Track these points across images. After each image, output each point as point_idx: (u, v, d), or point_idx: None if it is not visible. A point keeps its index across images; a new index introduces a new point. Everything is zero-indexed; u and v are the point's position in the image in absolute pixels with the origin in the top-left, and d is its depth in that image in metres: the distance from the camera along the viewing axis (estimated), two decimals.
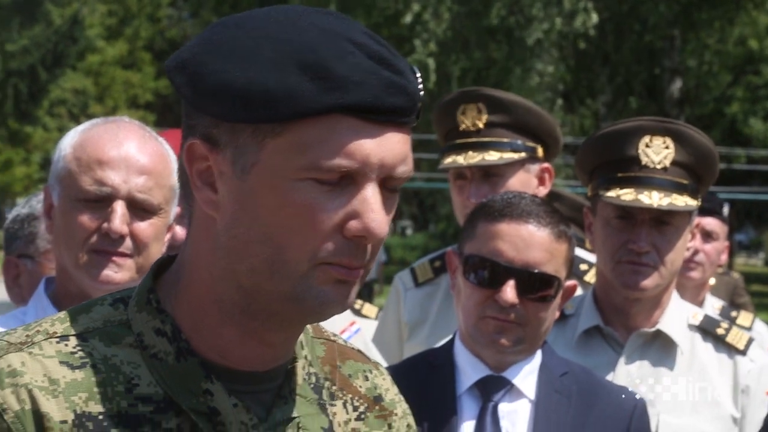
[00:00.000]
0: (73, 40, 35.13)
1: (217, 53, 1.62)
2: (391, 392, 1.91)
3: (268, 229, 1.60)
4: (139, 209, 2.69)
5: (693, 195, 3.34)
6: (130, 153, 2.69)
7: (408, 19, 22.80)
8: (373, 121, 1.60)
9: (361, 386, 1.86)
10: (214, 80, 1.60)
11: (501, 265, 2.84)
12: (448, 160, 3.90)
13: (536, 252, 2.84)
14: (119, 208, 2.66)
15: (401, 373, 2.94)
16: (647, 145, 3.33)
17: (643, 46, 26.77)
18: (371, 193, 1.61)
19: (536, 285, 2.84)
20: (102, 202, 2.67)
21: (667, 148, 3.33)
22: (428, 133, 22.66)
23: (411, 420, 1.93)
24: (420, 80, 1.66)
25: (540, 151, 3.92)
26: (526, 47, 22.76)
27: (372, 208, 1.61)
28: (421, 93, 1.65)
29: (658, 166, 3.32)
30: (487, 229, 2.88)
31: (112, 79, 44.65)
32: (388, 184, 1.64)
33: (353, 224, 1.61)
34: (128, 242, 2.68)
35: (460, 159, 3.86)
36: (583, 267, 4.02)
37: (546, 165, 3.94)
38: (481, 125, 3.89)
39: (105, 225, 2.66)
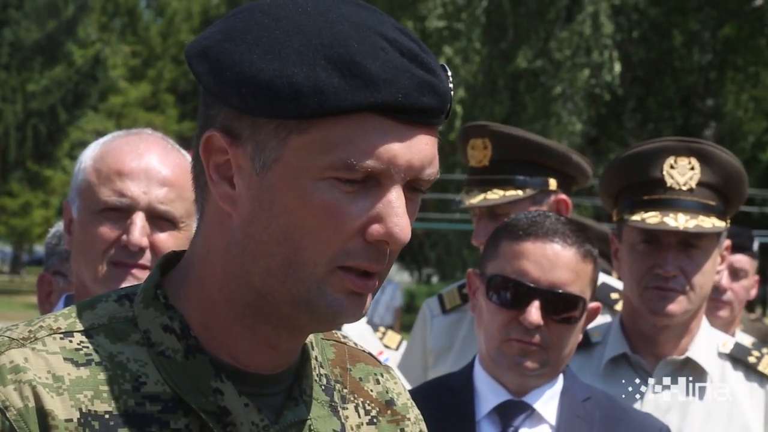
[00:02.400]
0: (94, 80, 35.31)
1: (242, 41, 1.56)
2: (403, 396, 1.84)
3: (286, 229, 1.54)
4: (160, 220, 2.64)
5: (721, 216, 3.26)
6: (151, 164, 2.65)
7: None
8: (402, 121, 1.54)
9: (372, 390, 1.80)
10: (238, 70, 1.54)
11: (526, 285, 2.76)
12: (458, 198, 3.91)
13: (562, 272, 2.76)
14: (139, 219, 2.61)
15: (420, 397, 2.83)
16: (672, 167, 3.25)
17: (675, 92, 26.64)
18: (395, 197, 1.55)
19: (562, 306, 2.77)
20: (122, 213, 2.63)
21: (692, 168, 3.25)
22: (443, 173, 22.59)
23: (423, 426, 1.86)
24: (450, 79, 1.59)
25: (553, 184, 3.84)
26: (551, 96, 22.70)
27: (396, 212, 1.55)
28: (452, 92, 1.58)
29: (684, 188, 3.24)
30: (511, 248, 2.80)
31: (134, 120, 44.77)
32: (413, 185, 1.58)
33: (376, 228, 1.55)
34: (148, 254, 2.63)
35: (466, 198, 3.85)
36: (614, 296, 3.92)
37: (561, 196, 3.86)
38: (486, 162, 3.85)
39: (124, 237, 2.61)
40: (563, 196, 3.87)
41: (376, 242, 1.55)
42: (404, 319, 25.23)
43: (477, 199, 3.80)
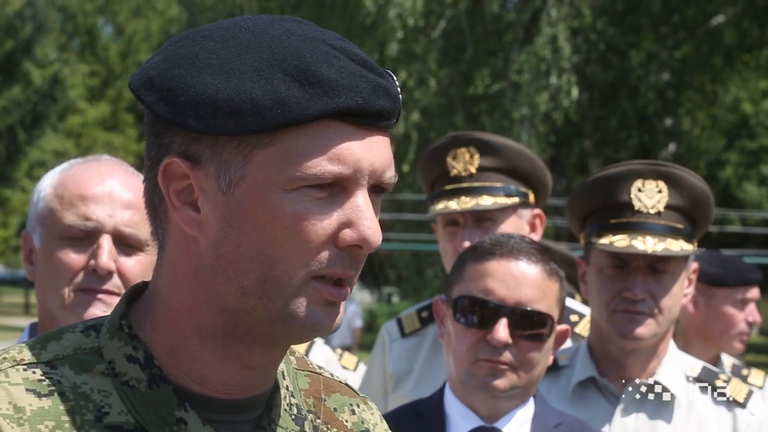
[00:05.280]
0: (53, 100, 35.07)
1: (190, 66, 1.56)
2: (379, 428, 1.85)
3: (258, 244, 1.55)
4: (126, 245, 2.62)
5: (689, 239, 3.26)
6: (114, 188, 2.64)
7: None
8: (360, 125, 1.56)
9: (347, 420, 1.80)
10: (193, 93, 1.54)
11: (492, 303, 2.75)
12: (440, 206, 3.83)
13: (528, 289, 2.76)
14: (106, 243, 2.60)
15: (390, 424, 2.82)
16: (640, 190, 3.25)
17: (633, 112, 26.74)
18: (363, 201, 1.57)
19: (529, 323, 2.76)
20: (87, 239, 2.61)
21: (660, 192, 3.25)
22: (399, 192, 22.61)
23: None
24: (397, 83, 1.62)
25: (531, 197, 3.85)
26: (510, 119, 22.73)
27: (365, 215, 1.57)
28: (400, 97, 1.62)
29: (652, 211, 3.24)
30: (476, 268, 2.79)
31: (93, 140, 44.61)
32: (374, 189, 1.60)
33: (348, 233, 1.56)
34: (116, 279, 2.61)
35: (453, 204, 3.80)
36: (574, 318, 3.92)
37: (537, 211, 3.88)
38: (473, 170, 3.83)
39: (92, 262, 2.59)
40: (539, 211, 3.88)
41: (348, 248, 1.56)
42: (364, 338, 25.18)
43: (470, 205, 3.77)
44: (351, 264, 1.58)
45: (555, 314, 2.80)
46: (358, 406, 1.83)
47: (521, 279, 2.76)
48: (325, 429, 1.75)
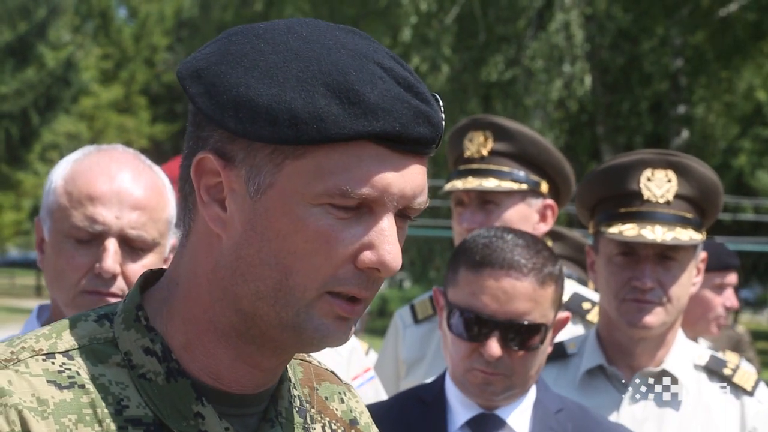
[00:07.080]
0: (66, 83, 35.06)
1: (238, 65, 1.56)
2: (365, 416, 1.87)
3: (278, 253, 1.55)
4: (132, 247, 2.62)
5: (697, 229, 3.27)
6: (123, 186, 2.62)
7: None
8: (397, 150, 1.55)
9: (337, 409, 1.82)
10: (235, 94, 1.54)
11: (484, 318, 2.75)
12: (448, 185, 3.87)
13: (519, 303, 2.75)
14: (111, 245, 2.59)
15: (393, 409, 2.87)
16: (649, 179, 3.26)
17: (645, 98, 26.61)
18: (387, 225, 1.57)
19: (522, 335, 2.76)
20: (93, 240, 2.60)
21: (669, 181, 3.26)
22: None
23: None
24: (442, 109, 1.60)
25: (544, 187, 3.86)
26: (523, 105, 22.67)
27: (388, 240, 1.56)
28: (443, 123, 1.60)
29: (661, 200, 3.25)
30: (467, 279, 2.78)
31: (106, 123, 44.62)
32: (403, 213, 1.59)
33: (368, 255, 1.56)
34: (120, 282, 2.61)
35: (459, 184, 3.84)
36: (586, 306, 3.93)
37: (549, 201, 3.87)
38: (485, 152, 3.86)
39: (97, 265, 2.59)
40: (551, 202, 3.88)
41: (367, 269, 1.56)
42: (377, 324, 25.17)
43: (473, 185, 3.80)
44: (368, 285, 1.58)
45: (549, 318, 2.80)
46: (345, 394, 1.85)
47: (512, 293, 2.75)
48: (319, 418, 1.77)
